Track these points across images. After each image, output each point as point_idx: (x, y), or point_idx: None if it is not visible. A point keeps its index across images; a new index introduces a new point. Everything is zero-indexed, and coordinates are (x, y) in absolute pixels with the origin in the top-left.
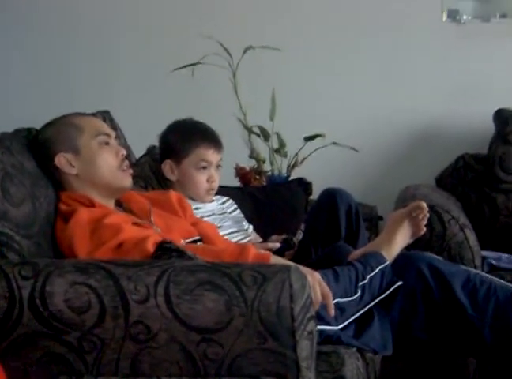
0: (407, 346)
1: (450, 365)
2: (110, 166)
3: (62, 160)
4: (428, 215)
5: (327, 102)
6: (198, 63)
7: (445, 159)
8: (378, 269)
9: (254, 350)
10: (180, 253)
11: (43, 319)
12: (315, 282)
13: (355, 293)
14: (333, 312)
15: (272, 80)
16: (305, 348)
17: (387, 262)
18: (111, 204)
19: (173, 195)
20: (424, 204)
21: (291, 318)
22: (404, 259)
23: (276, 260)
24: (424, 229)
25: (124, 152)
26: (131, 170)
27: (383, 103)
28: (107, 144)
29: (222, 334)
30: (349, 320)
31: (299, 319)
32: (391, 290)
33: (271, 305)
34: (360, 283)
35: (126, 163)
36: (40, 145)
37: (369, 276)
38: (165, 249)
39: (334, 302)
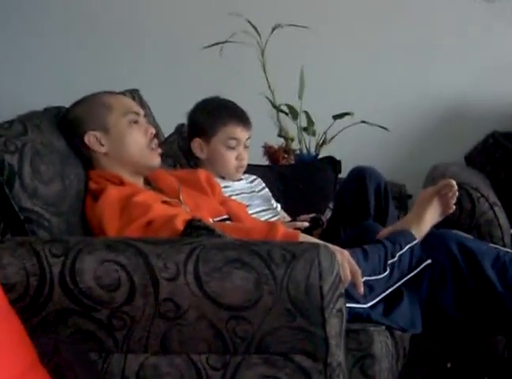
0: (436, 324)
1: (480, 344)
2: (139, 144)
3: (91, 139)
4: (457, 193)
5: (356, 80)
6: (227, 41)
7: (474, 137)
8: (407, 247)
9: (283, 328)
10: (209, 231)
11: (73, 296)
12: (344, 260)
13: (384, 271)
14: (362, 290)
15: (300, 59)
16: (334, 326)
17: (416, 240)
18: (140, 182)
19: (202, 174)
20: (454, 183)
21: (320, 296)
22: (434, 237)
23: (305, 238)
24: (453, 207)
25: (153, 131)
26: (160, 149)
27: (412, 81)
28: (136, 122)
29: (251, 312)
30: (378, 299)
31: (328, 297)
32: (420, 268)
33: (300, 283)
34: (389, 261)
35: (155, 141)
36: (70, 124)
37: (398, 254)
38: (194, 227)
39: (363, 279)
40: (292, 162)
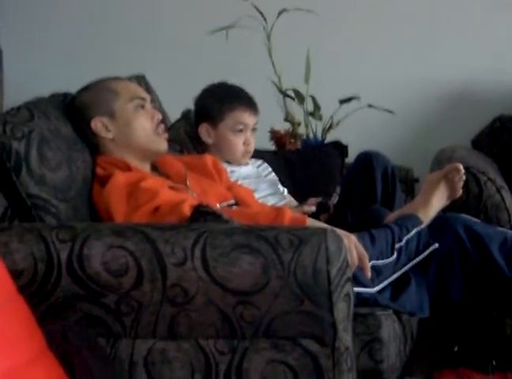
0: (444, 308)
1: (487, 327)
2: (145, 129)
3: (98, 124)
4: (464, 177)
5: (362, 64)
6: (232, 26)
7: (481, 121)
8: (414, 231)
9: (290, 313)
10: (216, 216)
11: (81, 282)
12: (351, 244)
13: (392, 255)
14: (369, 274)
15: (306, 43)
16: (342, 310)
17: (423, 224)
18: (146, 167)
19: (208, 159)
20: (461, 166)
21: (327, 280)
22: (441, 221)
23: (312, 223)
24: (460, 191)
25: (159, 116)
26: (166, 134)
27: (419, 65)
28: (142, 107)
29: (259, 296)
30: (386, 283)
31: (335, 281)
32: (427, 252)
33: (307, 268)
34: (397, 245)
35: (162, 126)
36: (76, 110)
37: (405, 238)
38: (201, 213)
39: (370, 264)
40: (299, 147)
